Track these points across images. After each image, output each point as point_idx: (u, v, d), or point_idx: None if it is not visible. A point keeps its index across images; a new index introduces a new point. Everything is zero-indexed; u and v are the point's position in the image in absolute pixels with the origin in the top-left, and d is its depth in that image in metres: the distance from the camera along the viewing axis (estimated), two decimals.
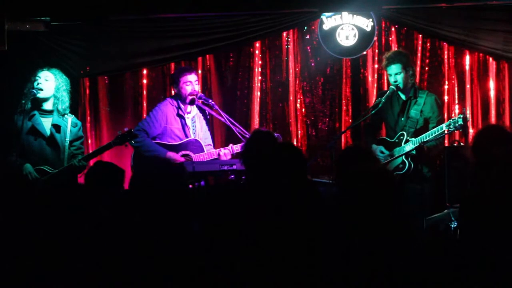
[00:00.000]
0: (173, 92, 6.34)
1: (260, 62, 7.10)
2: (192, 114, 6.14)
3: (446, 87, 6.88)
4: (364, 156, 3.55)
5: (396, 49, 6.64)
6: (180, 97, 6.06)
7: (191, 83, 6.03)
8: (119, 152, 6.57)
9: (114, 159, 6.50)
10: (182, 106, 6.07)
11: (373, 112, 6.02)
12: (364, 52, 6.83)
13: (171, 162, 5.46)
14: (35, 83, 5.71)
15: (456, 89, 6.89)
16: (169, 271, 2.89)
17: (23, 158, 5.65)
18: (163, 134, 6.03)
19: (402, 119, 5.99)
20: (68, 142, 5.73)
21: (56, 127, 5.74)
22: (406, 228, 3.09)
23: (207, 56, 7.09)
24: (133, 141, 5.83)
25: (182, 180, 3.24)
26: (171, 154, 5.90)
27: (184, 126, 6.06)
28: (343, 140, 6.99)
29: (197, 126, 6.13)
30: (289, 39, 7.07)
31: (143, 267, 2.92)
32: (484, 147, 3.95)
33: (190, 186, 5.71)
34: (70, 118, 5.82)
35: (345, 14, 6.70)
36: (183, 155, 5.96)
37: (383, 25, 6.93)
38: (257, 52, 7.09)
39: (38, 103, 5.75)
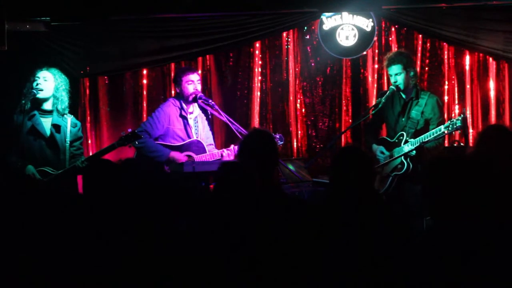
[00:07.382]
0: (173, 92, 6.33)
1: (260, 62, 7.10)
2: (195, 114, 6.13)
3: (446, 87, 6.89)
4: (360, 157, 3.55)
5: (396, 49, 6.64)
6: (182, 97, 6.05)
7: (193, 82, 6.03)
8: (120, 151, 6.56)
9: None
10: (184, 106, 6.05)
11: (373, 112, 6.02)
12: (364, 52, 6.83)
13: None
14: (35, 84, 5.70)
15: (456, 89, 6.89)
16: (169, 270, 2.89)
17: (23, 158, 5.64)
18: (165, 135, 6.01)
19: (403, 119, 5.98)
20: (69, 142, 5.72)
21: (56, 127, 5.73)
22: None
23: (207, 56, 7.09)
24: (136, 142, 5.83)
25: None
26: (174, 154, 5.90)
27: (187, 127, 6.05)
28: (343, 140, 6.99)
29: (199, 126, 6.12)
30: (289, 39, 7.08)
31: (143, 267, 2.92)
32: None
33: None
34: (69, 118, 5.80)
35: (345, 14, 6.71)
36: (186, 156, 5.96)
37: (383, 25, 6.93)
38: (257, 52, 7.09)
39: (37, 103, 5.74)
